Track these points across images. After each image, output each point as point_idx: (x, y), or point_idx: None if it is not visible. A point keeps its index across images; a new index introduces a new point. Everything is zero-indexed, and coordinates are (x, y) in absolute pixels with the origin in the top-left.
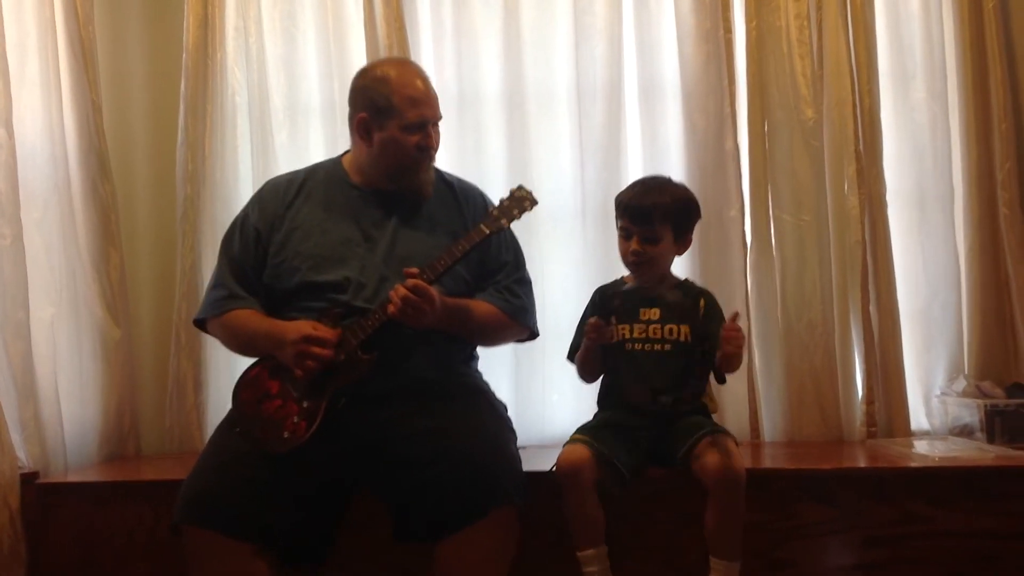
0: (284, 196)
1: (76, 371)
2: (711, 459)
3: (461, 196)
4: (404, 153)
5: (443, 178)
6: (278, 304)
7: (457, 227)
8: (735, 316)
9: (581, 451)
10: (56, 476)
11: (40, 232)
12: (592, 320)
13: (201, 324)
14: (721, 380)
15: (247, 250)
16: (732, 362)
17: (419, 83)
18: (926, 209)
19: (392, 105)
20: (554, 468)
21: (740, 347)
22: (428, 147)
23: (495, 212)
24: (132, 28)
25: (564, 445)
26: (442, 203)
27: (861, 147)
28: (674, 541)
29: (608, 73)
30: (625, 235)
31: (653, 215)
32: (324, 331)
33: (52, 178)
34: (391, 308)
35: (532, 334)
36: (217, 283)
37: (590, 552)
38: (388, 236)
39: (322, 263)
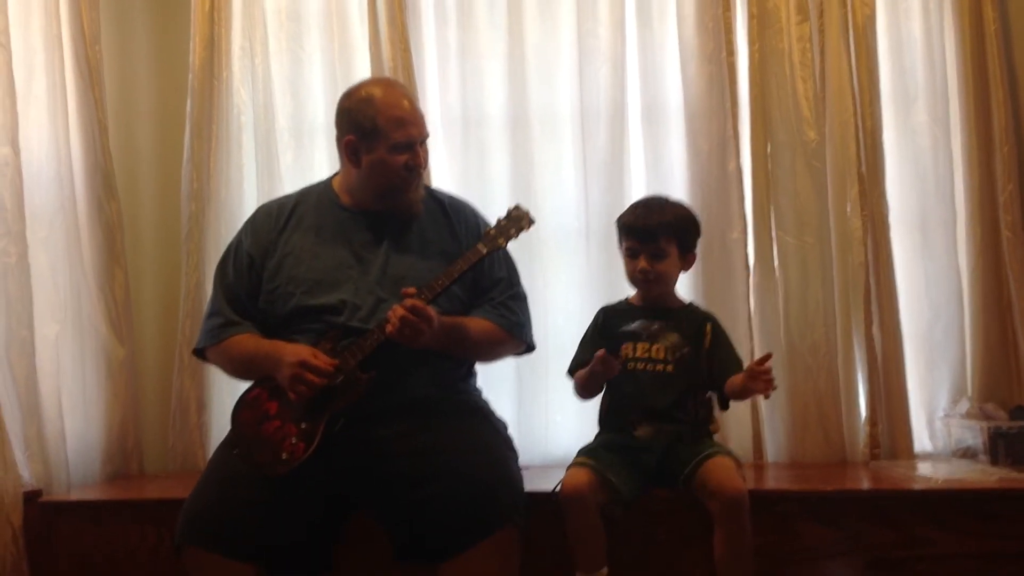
0: (276, 222)
1: (80, 389)
2: (713, 481)
3: (452, 213)
4: (393, 173)
5: (433, 196)
6: (275, 329)
7: (449, 245)
8: (768, 357)
9: (584, 475)
10: (59, 494)
11: (45, 250)
12: (600, 353)
13: (200, 354)
14: (724, 406)
15: (241, 277)
16: (746, 394)
17: (404, 103)
18: (928, 231)
19: (378, 127)
20: (557, 489)
21: (765, 389)
22: (416, 166)
23: (492, 231)
24: (138, 48)
25: (567, 468)
26: (433, 221)
27: (863, 169)
28: (676, 562)
29: (611, 95)
30: (631, 254)
31: (658, 232)
32: (323, 359)
33: (58, 196)
34: (389, 328)
35: (529, 348)
36: (213, 311)
37: None
38: (380, 257)
39: (316, 287)
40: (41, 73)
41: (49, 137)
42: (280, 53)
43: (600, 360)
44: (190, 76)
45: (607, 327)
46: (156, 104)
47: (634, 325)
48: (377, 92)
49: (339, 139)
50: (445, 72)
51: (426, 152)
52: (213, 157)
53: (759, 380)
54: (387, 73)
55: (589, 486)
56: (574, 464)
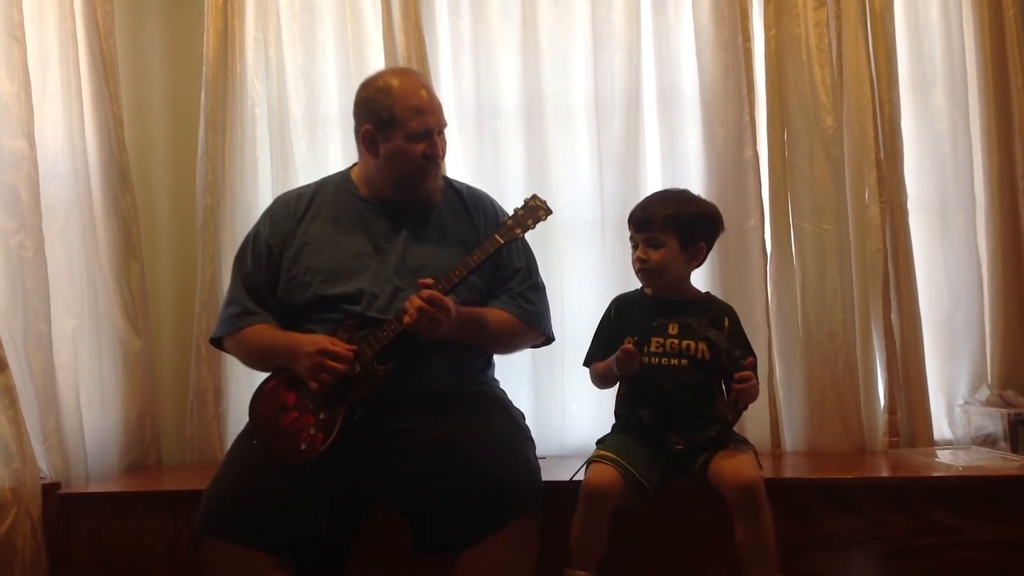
0: (294, 212)
1: (97, 382)
2: (727, 470)
3: (471, 203)
4: (411, 163)
5: (452, 186)
6: (292, 319)
7: (467, 235)
8: (750, 363)
9: (610, 474)
10: (77, 486)
11: (62, 244)
12: (626, 347)
13: (217, 342)
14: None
15: (260, 266)
16: (742, 405)
17: (422, 92)
18: (947, 217)
19: (395, 116)
20: (574, 479)
21: (752, 398)
22: (434, 155)
23: (509, 222)
24: (152, 41)
25: (588, 461)
26: (452, 211)
27: (882, 155)
28: (692, 551)
29: (626, 83)
30: (633, 244)
31: (654, 222)
32: (341, 346)
33: (73, 190)
34: (407, 319)
35: (548, 339)
36: (231, 300)
37: (582, 574)
38: (399, 247)
39: (334, 277)
40: (56, 67)
41: (64, 131)
42: (294, 44)
43: (625, 352)
44: (204, 68)
45: (621, 317)
46: (170, 97)
47: (648, 318)
48: (395, 81)
49: (357, 129)
50: (459, 62)
51: (444, 142)
52: (228, 149)
53: (744, 392)
54: (400, 62)
55: (614, 487)
56: (598, 459)
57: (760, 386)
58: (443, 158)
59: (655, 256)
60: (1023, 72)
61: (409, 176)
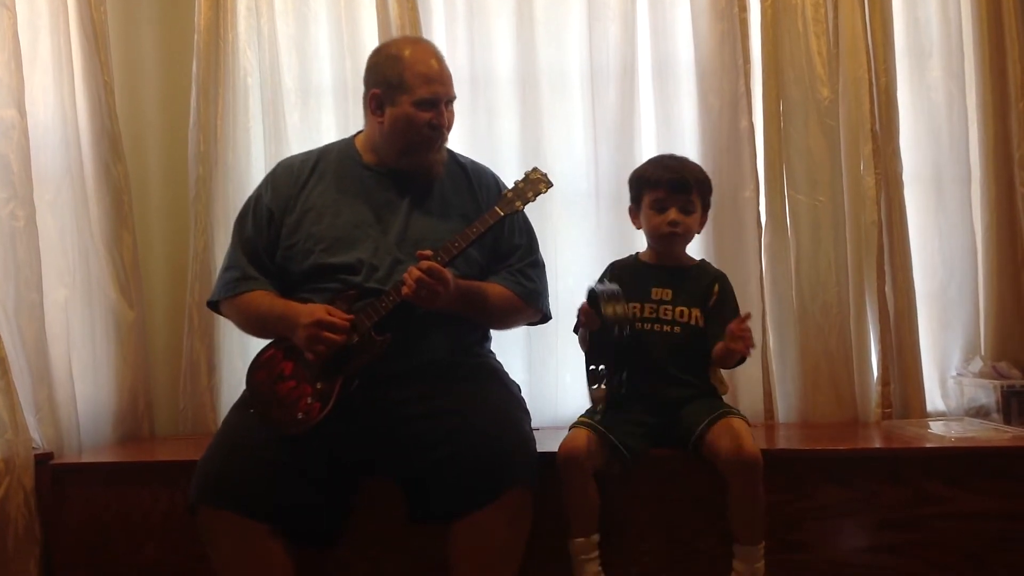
0: (297, 177)
1: (90, 353)
2: (723, 443)
3: (474, 178)
4: (415, 129)
5: (456, 160)
6: (291, 285)
7: (469, 209)
8: (747, 316)
9: (581, 437)
10: (70, 457)
11: (53, 214)
12: (582, 305)
13: (214, 306)
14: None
15: (260, 231)
16: (730, 359)
17: (433, 61)
18: (943, 189)
19: (404, 81)
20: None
21: (745, 348)
22: (440, 125)
23: (510, 194)
24: (143, 9)
25: (569, 428)
26: (455, 185)
27: (877, 126)
28: (688, 524)
29: (621, 53)
30: (659, 207)
31: (690, 185)
32: (338, 316)
33: (65, 160)
34: (405, 290)
35: (544, 317)
36: (230, 264)
37: (582, 540)
38: (401, 218)
39: (335, 245)
40: (46, 35)
41: (55, 100)
42: (286, 13)
43: (581, 312)
44: (196, 37)
45: (615, 283)
46: (162, 66)
47: (642, 284)
48: (407, 49)
49: (365, 94)
50: (453, 31)
51: (452, 114)
52: (220, 119)
53: (739, 340)
54: (394, 32)
55: (586, 448)
56: (574, 425)
57: (754, 358)
58: (449, 130)
59: (688, 220)
60: (1019, 43)
61: (413, 144)
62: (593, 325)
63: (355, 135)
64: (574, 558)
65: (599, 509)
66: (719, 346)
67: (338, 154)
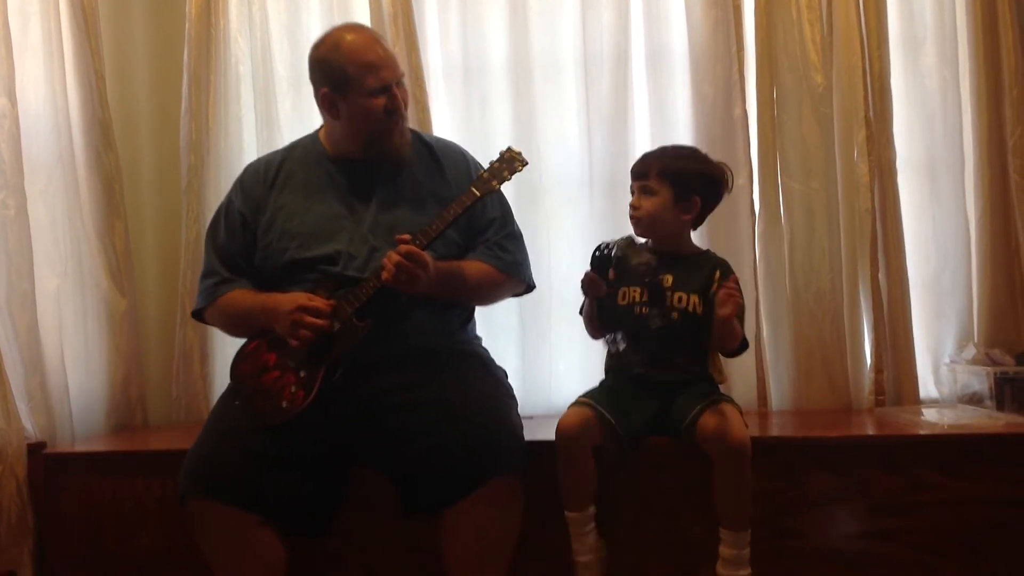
0: (264, 178)
1: (82, 342)
2: (711, 429)
3: (442, 156)
4: (373, 120)
5: (421, 139)
6: (271, 284)
7: (439, 189)
8: (732, 280)
9: (580, 414)
10: (63, 446)
11: (44, 203)
12: (589, 273)
13: (199, 315)
14: (728, 353)
15: (234, 236)
16: (727, 328)
17: (373, 46)
18: (936, 176)
19: (348, 75)
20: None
21: (733, 310)
22: (395, 109)
23: (485, 174)
24: None
25: (568, 408)
26: (423, 166)
27: (871, 114)
28: (679, 511)
29: (615, 41)
30: (631, 192)
31: (649, 170)
32: (319, 301)
33: (56, 148)
34: (385, 275)
35: (528, 287)
36: (207, 272)
37: (578, 514)
38: (373, 206)
39: (309, 240)
40: (37, 22)
41: (46, 87)
42: (278, 0)
43: (585, 280)
44: (187, 24)
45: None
46: (153, 53)
47: (642, 261)
48: (343, 39)
49: (315, 93)
50: (445, 19)
51: (405, 93)
52: (212, 107)
53: (727, 303)
54: (386, 20)
55: (583, 425)
56: (572, 404)
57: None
58: (406, 108)
59: (647, 204)
60: (1013, 29)
61: (374, 134)
62: (599, 292)
63: (318, 129)
64: (572, 530)
65: (597, 484)
66: (715, 319)
67: (303, 150)
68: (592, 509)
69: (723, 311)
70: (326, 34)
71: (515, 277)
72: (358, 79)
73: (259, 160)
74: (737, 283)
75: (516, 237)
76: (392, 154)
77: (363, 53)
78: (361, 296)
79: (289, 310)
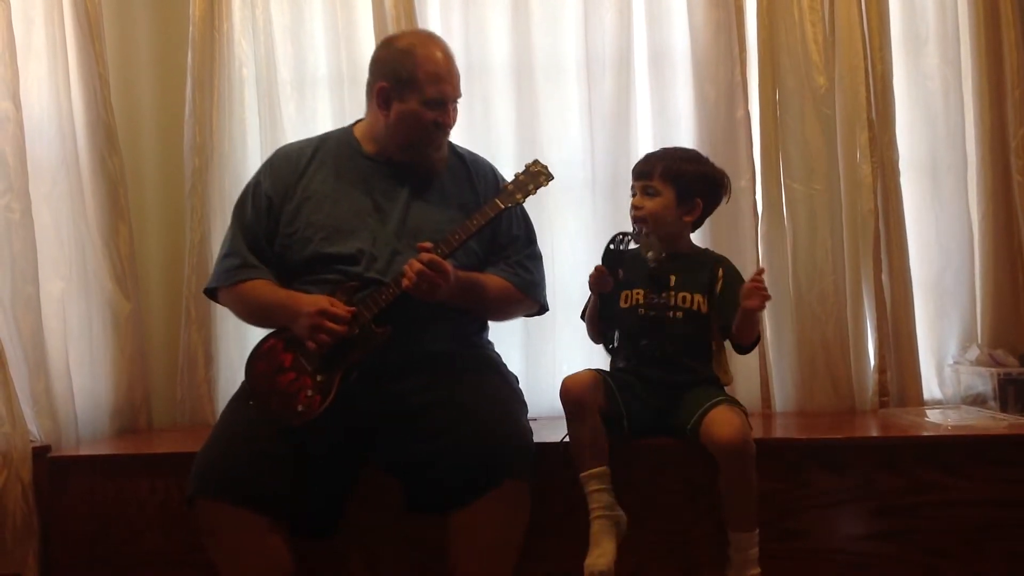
0: (296, 165)
1: (87, 345)
2: (719, 430)
3: (473, 170)
4: (421, 127)
5: (455, 151)
6: (289, 275)
7: (468, 200)
8: (760, 271)
9: (587, 376)
10: (68, 450)
11: (49, 206)
12: (597, 267)
13: (211, 293)
14: (740, 349)
15: (259, 218)
16: (750, 321)
17: (444, 60)
18: (939, 177)
19: (415, 79)
20: (564, 440)
21: (762, 303)
22: (445, 124)
23: (510, 187)
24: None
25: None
26: (454, 176)
27: (873, 115)
28: (683, 512)
29: (617, 42)
30: (632, 193)
31: (652, 170)
32: (340, 307)
33: (60, 152)
34: (406, 282)
35: (542, 308)
36: (230, 251)
37: (591, 472)
38: (400, 208)
39: (334, 234)
40: (41, 26)
41: (50, 91)
42: (281, 3)
43: (594, 274)
44: (191, 28)
45: (613, 258)
46: (157, 57)
47: (650, 255)
48: (419, 44)
49: (371, 84)
50: (448, 20)
51: (456, 112)
52: (215, 110)
53: (754, 295)
54: (389, 22)
55: (590, 385)
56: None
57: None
58: (452, 128)
59: (649, 204)
60: (1016, 29)
61: (416, 141)
62: (605, 287)
63: (353, 124)
64: (586, 489)
65: (606, 444)
66: (738, 312)
67: (337, 143)
68: (606, 468)
69: (750, 303)
70: (403, 33)
71: (532, 297)
72: (422, 85)
73: (291, 145)
74: (762, 272)
75: (537, 258)
76: (428, 165)
77: (436, 63)
78: (381, 302)
79: (310, 312)
